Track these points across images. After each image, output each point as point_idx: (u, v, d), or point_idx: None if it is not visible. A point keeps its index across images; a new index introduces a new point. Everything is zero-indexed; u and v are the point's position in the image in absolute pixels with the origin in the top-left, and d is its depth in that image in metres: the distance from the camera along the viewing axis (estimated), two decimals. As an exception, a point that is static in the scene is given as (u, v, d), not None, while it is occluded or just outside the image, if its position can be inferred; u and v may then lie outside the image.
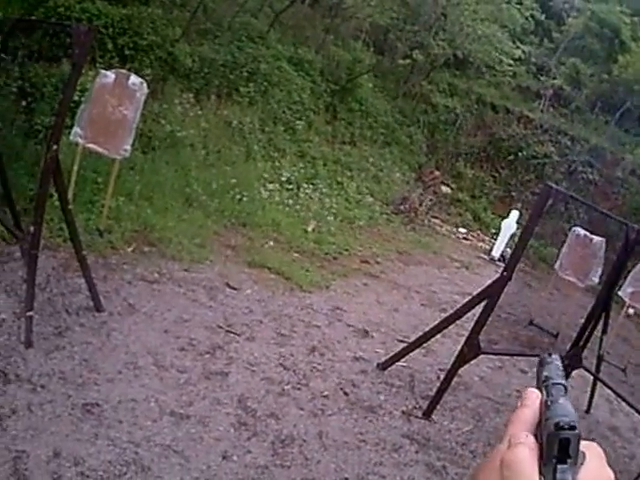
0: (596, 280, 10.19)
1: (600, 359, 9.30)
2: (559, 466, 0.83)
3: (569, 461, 0.84)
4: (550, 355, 1.03)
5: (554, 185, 7.67)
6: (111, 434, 5.58)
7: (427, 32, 21.79)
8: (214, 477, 5.60)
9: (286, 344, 8.50)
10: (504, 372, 10.13)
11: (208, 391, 6.86)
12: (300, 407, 7.13)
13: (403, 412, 7.62)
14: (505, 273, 7.50)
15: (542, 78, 27.32)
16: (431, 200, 20.04)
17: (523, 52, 24.90)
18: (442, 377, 7.90)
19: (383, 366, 8.61)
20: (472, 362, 8.78)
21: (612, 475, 0.87)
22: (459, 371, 8.52)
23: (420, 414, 7.68)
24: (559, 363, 0.99)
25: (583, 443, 0.85)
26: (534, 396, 0.96)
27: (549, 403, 0.90)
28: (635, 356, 11.88)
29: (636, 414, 7.96)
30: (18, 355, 6.30)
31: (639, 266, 11.05)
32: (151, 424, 5.99)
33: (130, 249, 9.72)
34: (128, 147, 8.19)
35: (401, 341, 9.21)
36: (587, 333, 8.72)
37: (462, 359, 7.70)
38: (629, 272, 9.80)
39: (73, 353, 6.70)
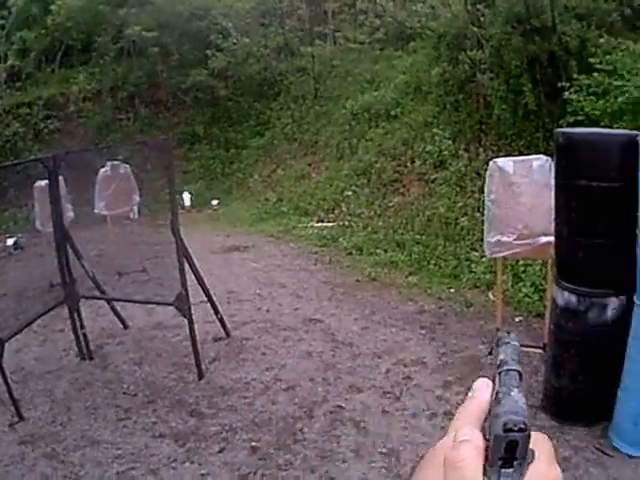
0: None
1: (94, 280, 8.82)
2: (503, 470, 0.72)
3: (515, 463, 0.73)
4: (508, 334, 0.90)
5: None
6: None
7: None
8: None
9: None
10: (49, 343, 9.40)
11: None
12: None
13: (9, 426, 7.06)
14: None
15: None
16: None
17: None
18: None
19: None
20: (25, 349, 8.93)
21: (560, 474, 0.77)
22: (24, 361, 8.59)
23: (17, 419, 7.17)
24: (517, 343, 0.87)
25: (534, 436, 0.73)
26: (484, 386, 0.84)
27: (500, 396, 0.77)
28: (151, 252, 11.80)
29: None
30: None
31: (97, 181, 11.69)
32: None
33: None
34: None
35: None
36: (65, 268, 8.20)
37: None
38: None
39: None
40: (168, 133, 19.46)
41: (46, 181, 8.75)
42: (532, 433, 0.73)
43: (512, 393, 0.76)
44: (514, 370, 0.80)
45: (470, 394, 0.85)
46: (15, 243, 16.09)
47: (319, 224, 14.27)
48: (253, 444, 5.83)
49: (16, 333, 7.79)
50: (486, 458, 0.73)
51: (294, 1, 22.43)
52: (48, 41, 24.08)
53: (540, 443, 0.77)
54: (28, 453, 6.33)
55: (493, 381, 0.81)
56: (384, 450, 5.40)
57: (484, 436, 0.76)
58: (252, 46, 21.60)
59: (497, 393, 0.78)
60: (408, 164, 13.74)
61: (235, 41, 21.17)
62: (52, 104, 22.48)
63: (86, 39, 23.59)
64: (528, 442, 0.72)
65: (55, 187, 8.02)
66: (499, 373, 0.81)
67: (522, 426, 0.71)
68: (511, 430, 0.71)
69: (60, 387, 7.75)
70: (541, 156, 6.67)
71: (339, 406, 6.29)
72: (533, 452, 0.74)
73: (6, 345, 7.14)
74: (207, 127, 21.89)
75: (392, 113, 15.66)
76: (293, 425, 6.04)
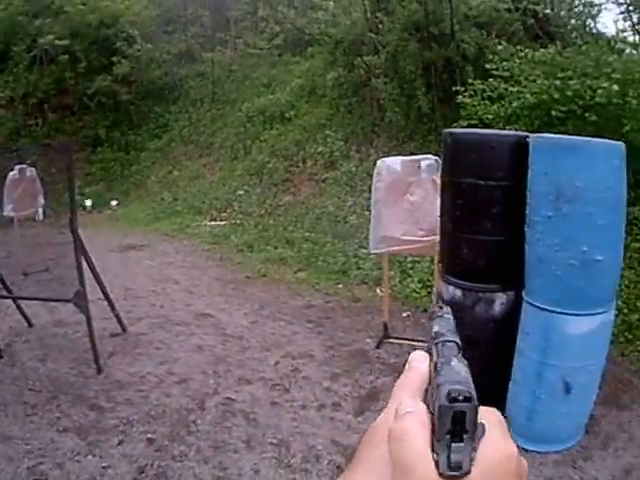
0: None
1: (2, 280, 8.76)
2: (454, 445, 0.66)
3: (465, 437, 0.67)
4: (441, 308, 0.85)
5: None
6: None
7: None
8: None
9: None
10: None
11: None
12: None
13: None
14: None
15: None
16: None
17: None
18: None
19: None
20: None
21: (515, 449, 0.70)
22: None
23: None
24: (450, 317, 0.83)
25: (482, 410, 0.68)
26: (421, 357, 0.79)
27: (439, 366, 0.71)
28: (54, 252, 11.22)
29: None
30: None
31: (6, 185, 11.44)
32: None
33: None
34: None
35: None
36: None
37: None
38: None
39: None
40: (73, 137, 19.41)
41: None
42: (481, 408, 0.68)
43: (452, 363, 0.71)
44: (451, 341, 0.76)
45: (407, 366, 0.80)
46: None
47: (212, 222, 14.35)
48: (149, 436, 5.83)
49: None
50: (433, 432, 0.68)
51: (198, 9, 22.61)
52: None
53: (490, 416, 0.71)
54: None
55: (429, 353, 0.77)
56: (274, 441, 5.44)
57: (428, 408, 0.71)
58: (155, 52, 21.76)
59: (436, 364, 0.73)
60: (300, 164, 13.96)
61: (140, 48, 21.23)
62: None
63: (3, 49, 23.36)
64: (476, 414, 0.67)
65: None
66: (435, 344, 0.76)
67: (467, 395, 0.66)
68: (456, 400, 0.66)
69: None
70: (429, 155, 6.81)
71: (229, 398, 6.32)
72: (484, 425, 0.69)
73: None
74: (109, 131, 21.79)
75: (286, 115, 15.84)
76: (186, 417, 6.07)
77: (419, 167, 6.62)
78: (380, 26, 13.14)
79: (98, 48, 22.19)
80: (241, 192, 14.80)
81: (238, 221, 13.73)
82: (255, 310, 8.93)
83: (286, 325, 8.26)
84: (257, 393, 6.42)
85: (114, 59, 21.32)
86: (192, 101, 21.01)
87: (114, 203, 18.93)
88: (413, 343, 6.89)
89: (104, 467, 5.46)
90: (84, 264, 7.44)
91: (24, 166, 11.21)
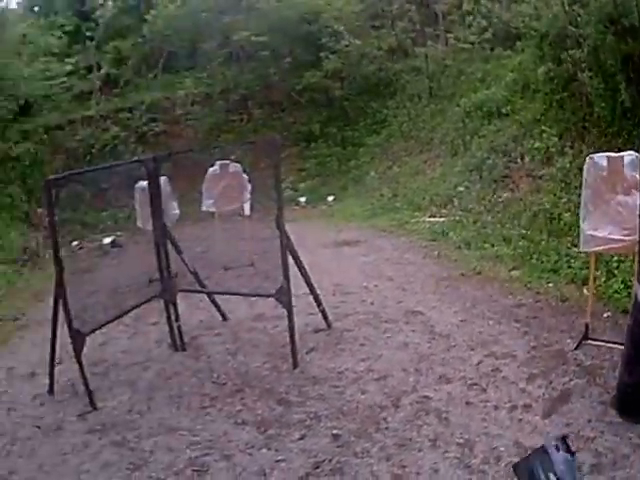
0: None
1: (196, 274, 9.01)
2: None
3: None
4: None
5: (51, 177, 7.27)
6: None
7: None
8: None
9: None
10: (140, 335, 9.68)
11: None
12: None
13: (78, 416, 7.18)
14: (56, 268, 7.17)
15: (89, 76, 25.05)
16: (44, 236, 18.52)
17: (71, 64, 23.87)
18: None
19: (50, 390, 8.03)
20: (112, 342, 9.26)
21: None
22: (108, 354, 8.86)
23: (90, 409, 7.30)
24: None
25: None
26: None
27: None
28: (260, 247, 11.61)
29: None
30: None
31: (205, 180, 12.01)
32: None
33: None
34: None
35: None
36: (164, 263, 8.49)
37: (77, 350, 7.29)
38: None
39: None
40: (283, 133, 19.79)
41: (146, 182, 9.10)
42: None
43: None
44: None
45: None
46: (113, 242, 16.64)
47: (431, 219, 14.20)
48: (335, 432, 5.86)
49: (100, 327, 8.06)
50: None
51: (404, 4, 22.50)
52: (146, 49, 25.08)
53: None
54: (94, 442, 6.49)
55: None
56: (460, 441, 5.36)
57: None
58: (365, 47, 21.85)
59: None
60: (518, 160, 13.60)
61: (347, 43, 21.36)
62: (156, 108, 23.21)
63: (189, 45, 24.18)
64: None
65: (155, 187, 8.27)
66: None
67: None
68: None
69: (145, 377, 7.99)
70: (631, 152, 6.48)
71: (426, 396, 6.26)
72: None
73: (91, 338, 7.46)
74: (323, 126, 22.00)
75: (503, 111, 15.54)
76: (378, 414, 6.04)
77: (622, 164, 6.32)
78: (578, 19, 12.65)
79: (302, 44, 22.44)
80: (461, 188, 14.59)
81: (457, 217, 13.49)
82: (466, 308, 8.77)
83: (494, 324, 8.07)
84: (454, 392, 6.33)
85: (321, 55, 21.49)
86: (409, 96, 20.87)
87: (330, 198, 19.05)
88: (611, 346, 6.65)
89: (277, 460, 5.54)
90: (290, 260, 7.53)
91: (226, 162, 11.64)
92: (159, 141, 22.10)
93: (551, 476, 4.00)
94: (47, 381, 7.98)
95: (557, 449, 4.15)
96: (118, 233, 17.22)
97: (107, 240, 16.71)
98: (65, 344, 7.71)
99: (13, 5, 24.59)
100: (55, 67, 23.15)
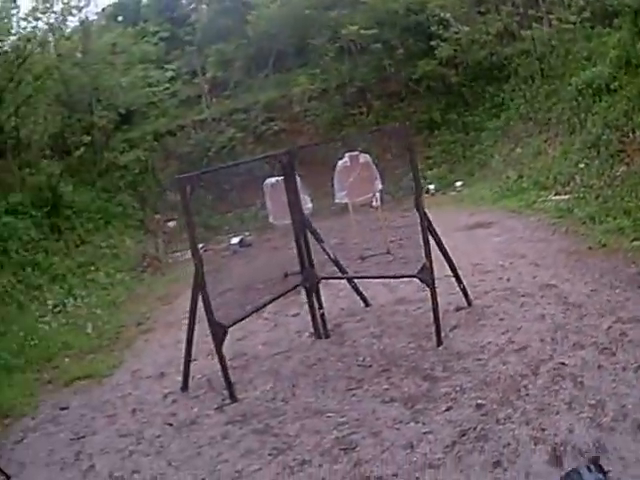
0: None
1: (337, 262, 9.40)
2: None
3: None
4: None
5: (185, 175, 7.81)
6: None
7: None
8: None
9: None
10: (280, 327, 10.12)
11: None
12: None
13: (216, 409, 7.59)
14: (195, 263, 7.56)
15: (195, 80, 25.56)
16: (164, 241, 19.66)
17: (173, 69, 24.16)
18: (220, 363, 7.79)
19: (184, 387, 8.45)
20: (250, 336, 9.75)
21: None
22: (248, 347, 9.35)
23: (229, 401, 7.66)
24: None
25: None
26: None
27: None
28: (395, 235, 12.31)
29: (415, 280, 8.22)
30: None
31: (336, 172, 12.08)
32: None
33: None
34: None
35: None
36: (305, 253, 8.86)
37: (218, 342, 7.58)
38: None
39: None
40: (405, 122, 20.11)
41: (275, 178, 9.63)
42: None
43: None
44: None
45: None
46: (241, 241, 17.08)
47: (556, 197, 14.55)
48: (479, 402, 6.24)
49: (242, 319, 8.37)
50: None
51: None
52: (252, 50, 25.40)
53: None
54: (233, 432, 6.83)
55: None
56: (593, 402, 5.70)
57: None
58: (474, 33, 21.99)
59: None
60: (630, 134, 13.67)
61: (456, 30, 21.62)
62: (272, 107, 23.64)
63: (298, 43, 24.55)
64: None
65: (292, 179, 8.68)
66: None
67: None
68: None
69: (287, 366, 8.38)
70: None
71: (562, 363, 6.64)
72: None
73: (229, 334, 7.77)
74: (444, 113, 22.24)
75: (611, 87, 15.52)
76: (519, 382, 6.42)
77: None
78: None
79: (412, 34, 22.71)
80: (581, 165, 14.76)
81: (580, 194, 13.72)
82: (595, 279, 9.09)
83: (620, 292, 8.36)
84: (587, 357, 6.67)
85: (432, 43, 21.77)
86: (523, 79, 20.86)
87: (459, 184, 19.39)
88: None
89: (424, 433, 5.93)
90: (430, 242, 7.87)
91: (355, 153, 11.81)
92: (279, 139, 22.38)
93: None
94: (179, 379, 8.44)
95: (589, 470, 4.41)
96: (246, 233, 17.63)
97: (235, 240, 17.12)
98: (198, 342, 8.27)
99: (92, 16, 24.66)
100: (155, 74, 23.71)
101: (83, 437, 7.60)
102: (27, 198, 17.43)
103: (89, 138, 21.99)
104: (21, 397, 9.32)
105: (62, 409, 8.65)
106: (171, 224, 20.65)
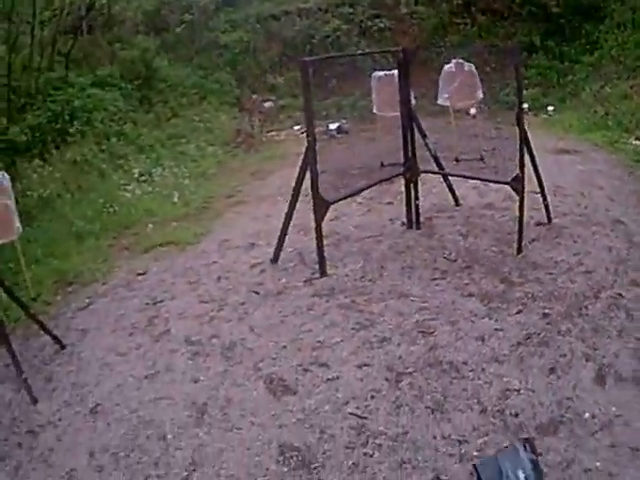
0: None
1: (436, 158, 9.51)
2: None
3: None
4: None
5: (307, 59, 7.89)
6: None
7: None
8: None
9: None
10: (374, 212, 10.25)
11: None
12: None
13: (304, 282, 7.81)
14: (309, 138, 7.74)
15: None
16: (260, 120, 18.10)
17: None
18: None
19: (275, 258, 8.54)
20: (343, 218, 9.85)
21: None
22: (340, 228, 9.45)
23: (318, 275, 7.89)
24: None
25: None
26: None
27: None
28: (488, 144, 12.28)
29: (505, 186, 8.50)
30: None
31: (441, 76, 12.13)
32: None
33: None
34: None
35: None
36: (410, 145, 9.02)
37: (319, 217, 7.82)
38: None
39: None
40: (506, 41, 19.92)
41: (384, 72, 10.15)
42: None
43: None
44: None
45: None
46: (338, 127, 16.97)
47: (636, 141, 14.56)
48: (545, 311, 6.58)
49: (345, 197, 8.69)
50: None
51: None
52: None
53: None
54: (319, 304, 7.07)
55: None
56: (639, 335, 6.05)
57: None
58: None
59: None
60: None
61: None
62: (379, 5, 22.81)
63: None
64: None
65: (405, 76, 8.90)
66: None
67: None
68: None
69: (377, 249, 8.56)
70: None
71: (619, 294, 6.91)
72: None
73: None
74: (543, 39, 21.70)
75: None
76: (582, 301, 6.75)
77: None
78: None
79: None
80: (662, 114, 14.61)
81: None
82: None
83: None
84: None
85: None
86: (616, 24, 20.50)
87: (550, 109, 19.25)
88: None
89: (495, 329, 6.29)
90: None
91: (461, 61, 11.93)
92: (383, 37, 21.87)
93: (519, 473, 4.26)
94: (269, 251, 8.56)
95: (525, 449, 4.42)
96: (342, 120, 17.44)
97: (333, 126, 16.93)
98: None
99: None
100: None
101: (160, 302, 7.77)
102: (117, 71, 17.30)
103: (190, 17, 21.78)
104: (91, 263, 9.28)
105: (139, 274, 8.72)
106: (267, 104, 20.30)
